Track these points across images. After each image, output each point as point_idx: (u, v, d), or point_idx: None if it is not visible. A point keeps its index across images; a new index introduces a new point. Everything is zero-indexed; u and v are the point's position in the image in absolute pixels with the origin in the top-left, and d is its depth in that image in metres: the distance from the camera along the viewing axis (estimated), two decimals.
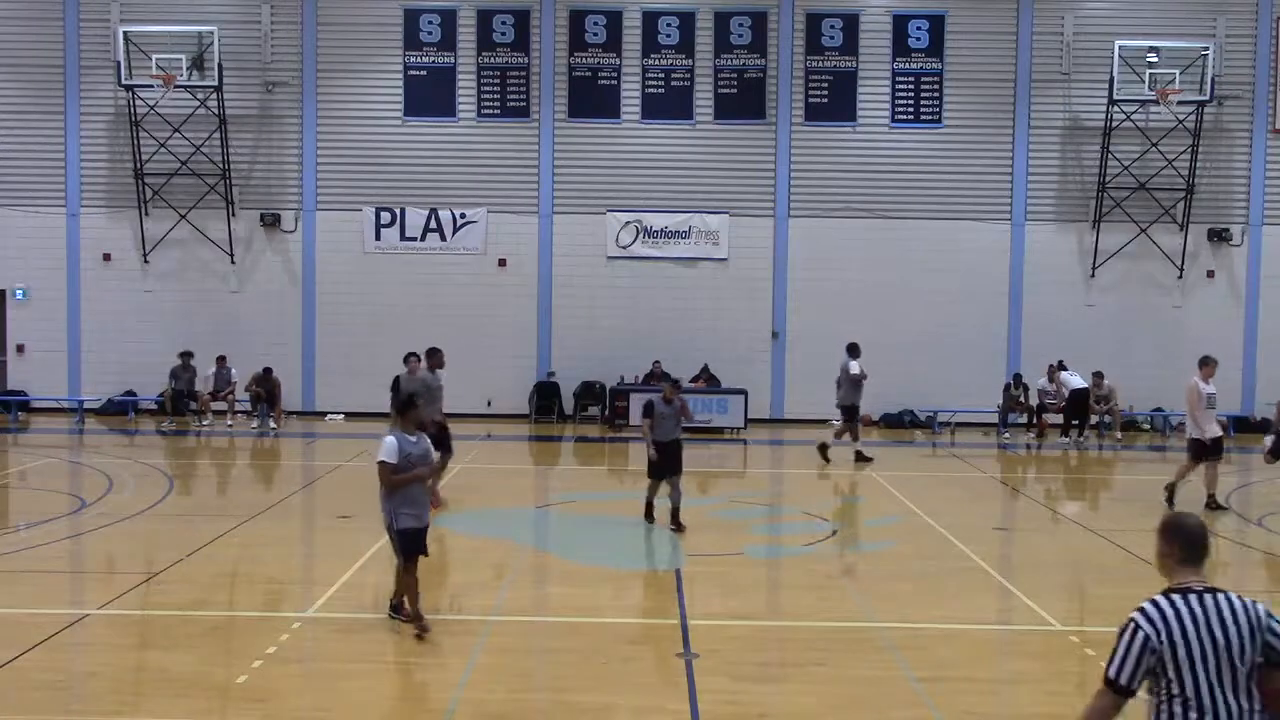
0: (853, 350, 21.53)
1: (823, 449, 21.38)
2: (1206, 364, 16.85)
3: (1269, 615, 4.79)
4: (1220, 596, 4.78)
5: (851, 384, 21.35)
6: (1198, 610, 4.70)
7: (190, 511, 16.41)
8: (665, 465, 14.81)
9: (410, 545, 10.10)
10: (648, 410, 14.85)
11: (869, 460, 21.13)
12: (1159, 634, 4.66)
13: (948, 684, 9.12)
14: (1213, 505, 16.69)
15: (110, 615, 10.72)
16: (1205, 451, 16.78)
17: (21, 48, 27.13)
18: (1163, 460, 23.67)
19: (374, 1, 27.16)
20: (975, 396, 26.62)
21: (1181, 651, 4.64)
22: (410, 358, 16.81)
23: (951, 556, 13.72)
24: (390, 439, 10.04)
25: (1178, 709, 4.68)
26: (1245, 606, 4.76)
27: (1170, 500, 16.73)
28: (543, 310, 27.46)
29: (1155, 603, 4.75)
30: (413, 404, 10.38)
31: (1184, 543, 4.91)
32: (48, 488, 17.77)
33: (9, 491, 18.23)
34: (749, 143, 27.34)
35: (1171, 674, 4.66)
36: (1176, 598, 4.75)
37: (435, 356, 16.49)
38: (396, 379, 16.91)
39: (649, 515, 15.13)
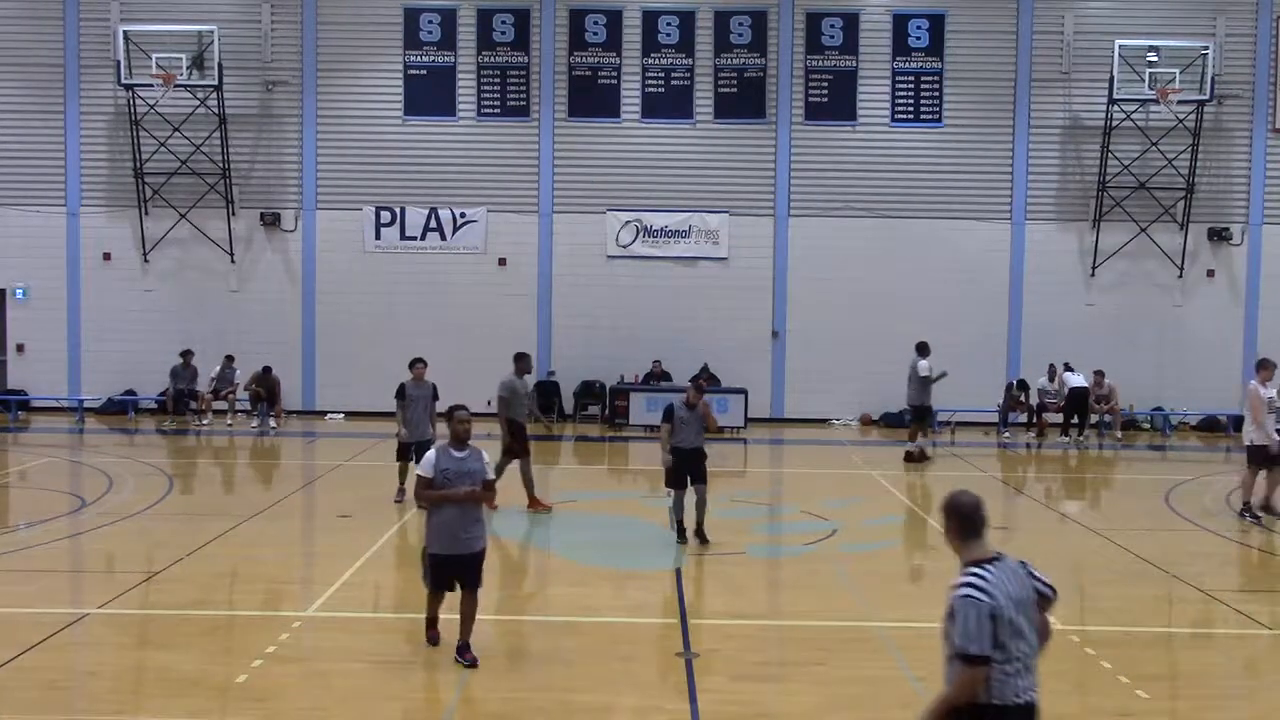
0: (922, 349, 21.42)
1: (908, 457, 21.26)
2: (1264, 367, 15.80)
3: (1028, 565, 5.44)
4: (1008, 560, 5.36)
5: (920, 383, 21.25)
6: (1002, 575, 5.21)
7: (190, 511, 16.42)
8: (686, 474, 13.76)
9: (435, 573, 9.32)
10: (667, 415, 13.80)
11: (920, 461, 21.02)
12: (994, 600, 5.09)
13: None
14: (1248, 513, 15.98)
15: (110, 615, 10.71)
16: (1270, 458, 15.70)
17: (22, 47, 27.12)
18: (1162, 460, 23.69)
19: (374, 1, 27.16)
20: (975, 396, 26.59)
21: (1009, 613, 5.13)
22: (416, 364, 16.39)
23: (951, 556, 13.66)
24: (430, 452, 9.39)
25: (997, 666, 5.13)
26: (1018, 565, 5.38)
27: (1255, 515, 15.79)
28: (542, 309, 27.46)
29: (976, 574, 5.20)
30: (451, 414, 9.55)
31: (961, 519, 5.38)
32: (48, 487, 17.78)
33: (9, 491, 18.24)
34: (749, 142, 27.33)
35: (1003, 637, 5.10)
36: (988, 566, 5.22)
37: (523, 361, 16.31)
38: (402, 386, 16.26)
39: (682, 535, 13.88)
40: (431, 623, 9.65)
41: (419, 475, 9.34)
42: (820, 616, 11.12)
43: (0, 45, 27.15)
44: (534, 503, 15.87)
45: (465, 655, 9.20)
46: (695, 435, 13.82)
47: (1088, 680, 9.46)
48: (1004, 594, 5.16)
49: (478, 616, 9.46)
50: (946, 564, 13.18)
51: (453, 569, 9.28)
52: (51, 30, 27.06)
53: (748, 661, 9.66)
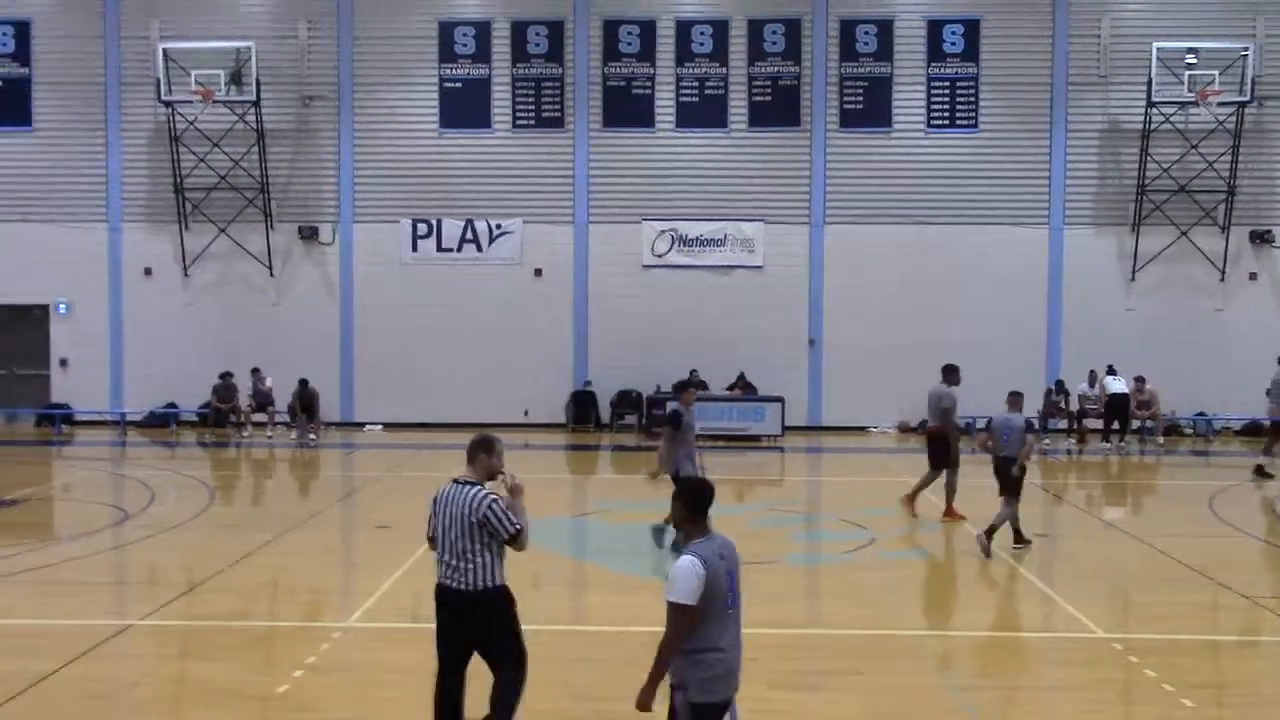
0: None
1: (1259, 470, 20.59)
2: None
3: (489, 505, 7.29)
4: (477, 491, 7.33)
5: None
6: (451, 491, 7.39)
7: (231, 522, 16.54)
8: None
9: None
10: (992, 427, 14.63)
11: (1270, 477, 20.27)
12: (435, 503, 7.46)
13: (989, 692, 9.05)
14: None
15: (152, 626, 10.81)
16: None
17: (64, 65, 27.51)
18: (1205, 465, 23.41)
19: (409, 15, 27.35)
20: None
21: (441, 518, 7.39)
22: (690, 388, 14.82)
23: (992, 563, 13.61)
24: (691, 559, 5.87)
25: (435, 552, 7.52)
26: (471, 494, 7.31)
27: None
28: (579, 319, 27.51)
29: (454, 481, 7.45)
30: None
31: (472, 446, 7.48)
32: (91, 500, 17.99)
33: (54, 504, 18.45)
34: (784, 150, 27.28)
35: (436, 532, 7.45)
36: (448, 485, 7.42)
37: (955, 373, 16.85)
38: (677, 414, 13.94)
39: (1020, 538, 14.12)
40: None
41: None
42: (858, 625, 11.06)
43: (43, 64, 27.58)
44: (950, 512, 16.12)
45: None
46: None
47: (1131, 688, 9.36)
48: (443, 501, 7.36)
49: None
50: (985, 571, 13.15)
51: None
52: (93, 49, 27.44)
53: (785, 670, 9.61)
